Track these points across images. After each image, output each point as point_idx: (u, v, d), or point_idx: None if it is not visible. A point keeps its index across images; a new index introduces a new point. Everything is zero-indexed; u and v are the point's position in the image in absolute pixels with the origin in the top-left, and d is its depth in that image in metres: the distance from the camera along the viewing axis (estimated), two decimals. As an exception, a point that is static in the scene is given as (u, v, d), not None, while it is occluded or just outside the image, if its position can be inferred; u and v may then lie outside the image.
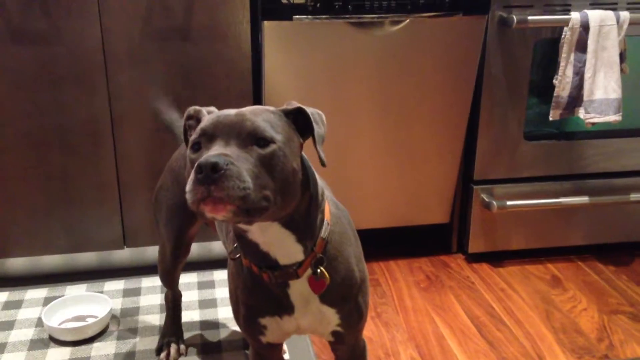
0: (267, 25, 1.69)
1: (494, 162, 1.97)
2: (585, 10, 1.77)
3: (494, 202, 1.95)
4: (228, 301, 1.80)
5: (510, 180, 2.00)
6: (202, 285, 1.89)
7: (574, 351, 1.60)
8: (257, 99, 1.84)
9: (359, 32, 1.75)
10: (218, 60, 1.76)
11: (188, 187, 0.79)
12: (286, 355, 1.57)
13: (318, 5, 1.69)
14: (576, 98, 1.82)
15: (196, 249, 2.01)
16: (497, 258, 2.07)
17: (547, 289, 1.90)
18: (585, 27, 1.76)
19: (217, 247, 2.03)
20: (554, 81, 1.83)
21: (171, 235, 1.40)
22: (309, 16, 1.69)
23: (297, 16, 1.69)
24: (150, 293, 1.85)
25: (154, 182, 1.85)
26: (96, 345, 1.61)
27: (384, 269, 2.02)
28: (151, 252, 1.99)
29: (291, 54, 1.74)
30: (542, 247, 2.07)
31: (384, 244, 2.14)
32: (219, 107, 1.88)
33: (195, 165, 0.77)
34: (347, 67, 1.79)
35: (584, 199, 1.99)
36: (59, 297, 1.77)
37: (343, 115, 1.85)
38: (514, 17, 1.76)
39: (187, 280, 1.91)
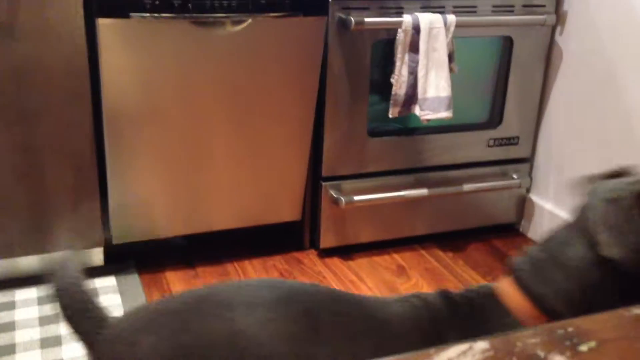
0: (102, 23, 1.62)
1: (340, 159, 2.04)
2: (416, 13, 1.88)
3: (342, 198, 2.02)
4: (71, 314, 1.71)
5: (357, 176, 2.08)
6: (42, 301, 1.77)
7: (417, 334, 1.70)
8: (96, 99, 1.75)
9: (201, 32, 1.73)
10: (51, 58, 1.66)
11: None
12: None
13: (157, 2, 1.65)
14: (412, 96, 1.93)
15: (36, 261, 1.88)
16: (347, 251, 2.14)
17: (393, 278, 2.00)
18: (416, 29, 1.87)
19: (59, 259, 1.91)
20: (392, 80, 1.93)
21: None
22: (147, 14, 1.64)
23: (134, 14, 1.63)
24: (26, 306, 1.73)
25: (22, 188, 1.71)
26: None
27: (238, 270, 2.02)
28: (25, 263, 1.86)
29: (130, 53, 1.68)
30: (388, 238, 2.18)
31: (238, 244, 2.14)
32: (54, 108, 1.74)
33: None
34: (191, 67, 1.76)
35: (424, 191, 2.11)
36: None
37: (188, 117, 1.82)
38: (352, 18, 1.83)
39: (25, 296, 1.78)
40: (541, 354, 0.55)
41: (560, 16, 2.11)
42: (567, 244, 0.88)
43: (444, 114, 1.92)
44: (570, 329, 0.59)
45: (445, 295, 0.91)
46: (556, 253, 0.88)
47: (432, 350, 0.55)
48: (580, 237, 0.87)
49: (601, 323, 0.61)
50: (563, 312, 0.86)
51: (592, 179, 0.96)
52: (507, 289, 0.91)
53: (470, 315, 0.89)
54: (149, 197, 1.88)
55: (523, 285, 0.89)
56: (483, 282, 1.99)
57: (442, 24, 1.88)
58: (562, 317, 0.85)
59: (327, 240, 2.10)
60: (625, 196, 0.84)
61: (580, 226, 0.88)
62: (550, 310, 0.87)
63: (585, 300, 0.87)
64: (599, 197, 0.87)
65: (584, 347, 0.57)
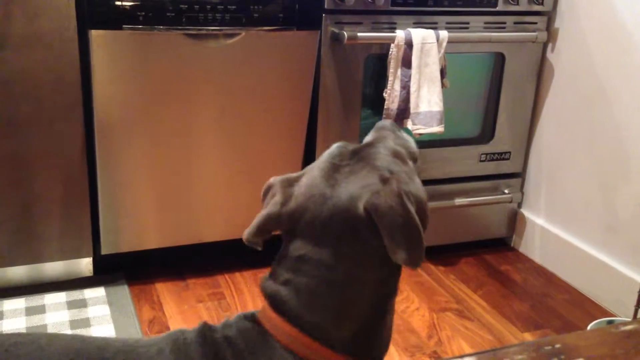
0: (95, 35, 1.62)
1: (332, 172, 2.03)
2: (409, 29, 1.89)
3: (334, 211, 2.01)
4: (60, 327, 1.69)
5: (348, 189, 2.08)
6: (30, 311, 1.75)
7: (407, 350, 1.69)
8: (88, 111, 1.75)
9: (194, 44, 1.73)
10: (43, 70, 1.66)
11: None
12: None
13: (150, 15, 1.65)
14: (404, 110, 1.94)
15: (25, 271, 1.87)
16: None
17: (384, 292, 1.99)
18: (409, 44, 1.88)
19: (48, 269, 1.90)
20: (384, 94, 1.93)
21: None
22: (140, 26, 1.64)
23: (127, 26, 1.63)
24: (13, 316, 1.72)
25: (11, 198, 1.70)
26: None
27: (229, 281, 2.01)
28: (13, 273, 1.85)
29: (123, 65, 1.68)
30: (380, 252, 2.17)
31: (229, 256, 2.13)
32: (45, 119, 1.75)
33: None
34: (184, 79, 1.76)
35: (415, 205, 2.11)
36: None
37: (182, 128, 1.82)
38: (345, 33, 1.83)
39: (13, 306, 1.76)
40: (528, 370, 0.55)
41: (551, 33, 2.13)
42: (333, 264, 0.79)
43: (436, 129, 1.93)
44: (557, 346, 0.59)
45: (204, 337, 0.81)
46: (326, 275, 0.79)
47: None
48: (350, 250, 0.78)
49: (588, 340, 0.61)
50: (344, 336, 0.79)
51: (289, 182, 0.84)
52: (275, 323, 0.81)
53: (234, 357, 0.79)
54: (139, 208, 1.88)
55: (293, 317, 0.79)
56: (474, 295, 1.99)
57: (434, 40, 1.89)
58: (342, 341, 0.79)
59: (318, 253, 2.09)
60: (387, 196, 0.76)
61: (340, 237, 0.78)
62: (326, 337, 0.79)
63: (367, 314, 0.80)
64: (346, 200, 0.78)
65: (570, 364, 0.57)
